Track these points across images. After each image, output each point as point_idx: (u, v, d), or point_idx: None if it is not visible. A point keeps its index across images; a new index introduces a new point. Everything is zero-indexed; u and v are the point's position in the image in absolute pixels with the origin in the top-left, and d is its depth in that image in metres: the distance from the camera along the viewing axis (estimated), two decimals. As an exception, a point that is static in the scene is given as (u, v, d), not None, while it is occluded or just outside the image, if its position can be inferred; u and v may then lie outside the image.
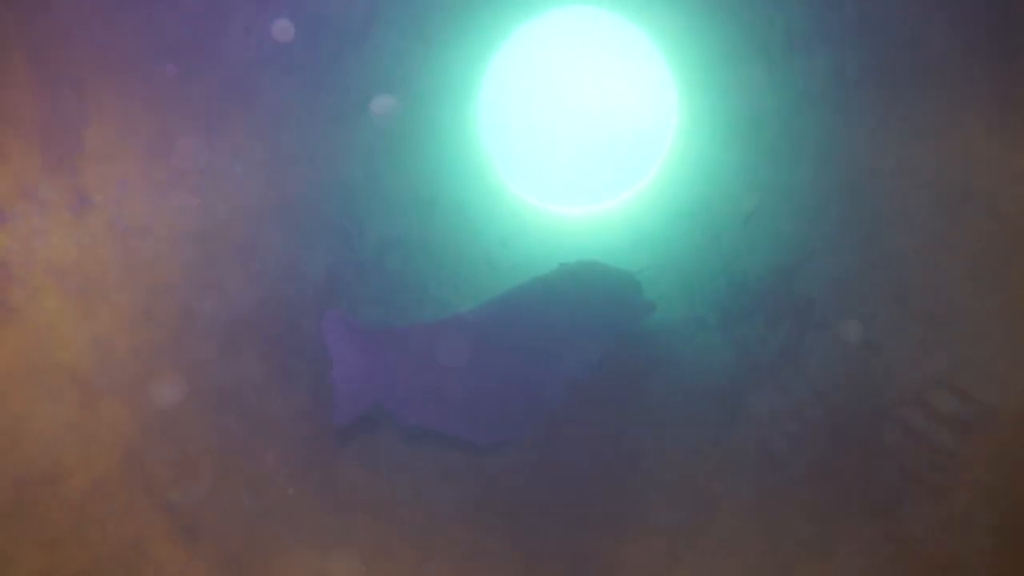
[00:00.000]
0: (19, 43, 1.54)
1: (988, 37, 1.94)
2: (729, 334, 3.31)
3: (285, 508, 2.08)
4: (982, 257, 1.98)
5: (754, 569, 1.88)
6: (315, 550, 2.01)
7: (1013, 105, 1.90)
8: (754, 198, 3.60)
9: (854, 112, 2.71)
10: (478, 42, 4.23)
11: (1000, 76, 1.91)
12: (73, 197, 1.66)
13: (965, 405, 1.78)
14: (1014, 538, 1.65)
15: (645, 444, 2.85)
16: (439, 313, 3.66)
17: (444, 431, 2.59)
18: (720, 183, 3.99)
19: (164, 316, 2.00)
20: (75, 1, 1.70)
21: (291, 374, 2.52)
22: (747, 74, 3.38)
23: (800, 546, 1.86)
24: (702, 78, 4.08)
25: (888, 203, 2.45)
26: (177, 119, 2.22)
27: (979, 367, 1.86)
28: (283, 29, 2.54)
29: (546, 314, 3.27)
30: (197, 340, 2.14)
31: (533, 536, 2.33)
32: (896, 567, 1.61)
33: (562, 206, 5.85)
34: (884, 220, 2.42)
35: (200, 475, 1.88)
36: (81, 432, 1.58)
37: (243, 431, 2.15)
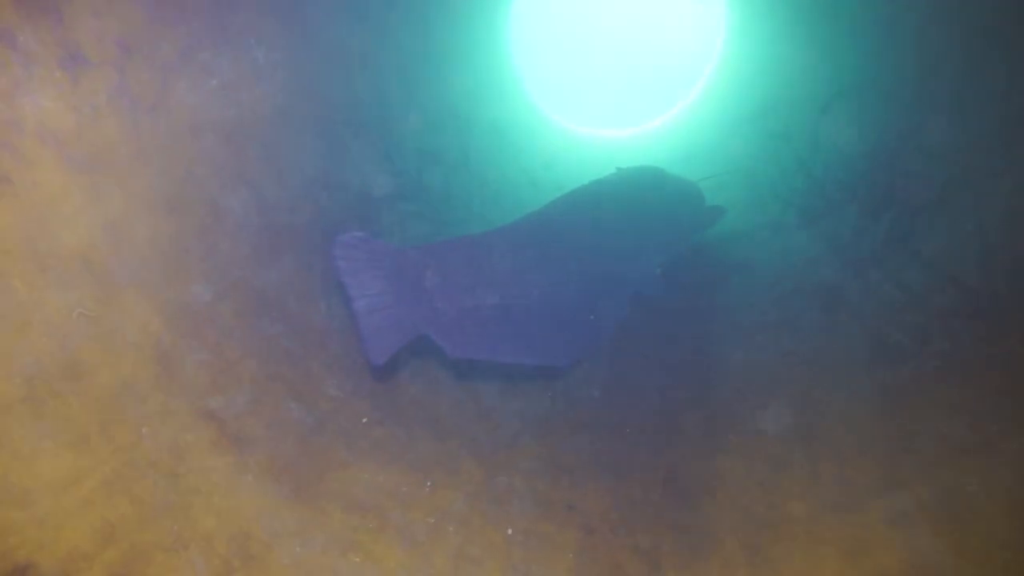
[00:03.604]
0: None
1: None
2: (815, 231, 2.95)
3: (338, 421, 1.85)
4: None
5: (888, 473, 1.58)
6: (373, 465, 1.79)
7: None
8: (832, 87, 3.16)
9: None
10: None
11: None
12: (63, 53, 1.38)
13: None
14: None
15: (729, 351, 2.55)
16: (486, 229, 3.34)
17: (502, 362, 2.26)
18: (786, 80, 3.54)
19: (187, 207, 1.75)
20: None
21: (335, 282, 2.27)
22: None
23: (946, 444, 1.55)
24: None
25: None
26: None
27: None
28: None
29: (604, 220, 2.92)
30: (227, 239, 1.89)
31: (616, 450, 2.08)
32: (1086, 459, 1.29)
33: (605, 129, 5.46)
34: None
35: (242, 382, 1.65)
36: (101, 326, 1.34)
37: (286, 339, 1.91)
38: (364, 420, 1.91)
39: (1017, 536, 1.27)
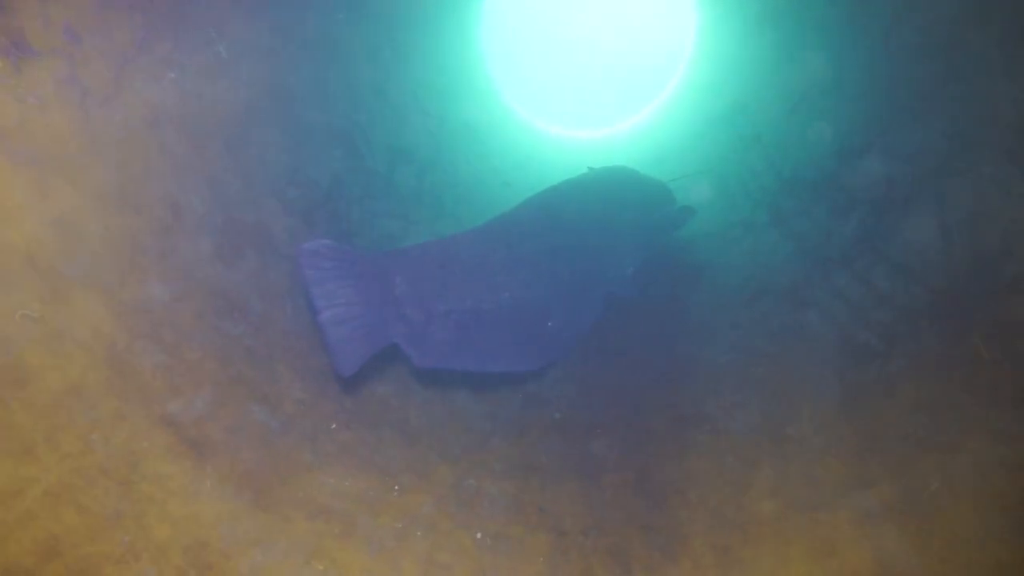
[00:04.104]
0: None
1: None
2: (785, 231, 2.97)
3: (304, 424, 1.80)
4: None
5: (855, 473, 1.60)
6: (339, 470, 1.74)
7: None
8: (799, 87, 3.20)
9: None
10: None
11: None
12: (4, 40, 1.31)
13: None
14: None
15: (699, 352, 2.56)
16: (457, 229, 3.30)
17: (473, 371, 2.18)
18: (756, 81, 3.57)
19: (144, 204, 1.68)
20: None
21: (301, 290, 2.22)
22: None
23: (911, 443, 1.57)
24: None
25: (993, 51, 2.06)
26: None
27: None
28: None
29: (575, 220, 2.91)
30: (187, 237, 1.82)
31: (587, 451, 2.06)
32: (1046, 456, 1.31)
33: (576, 130, 5.47)
34: (990, 70, 2.03)
35: (202, 385, 1.59)
36: (48, 328, 1.28)
37: (249, 340, 1.85)
38: (333, 426, 1.87)
39: (979, 533, 1.29)
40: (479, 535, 1.64)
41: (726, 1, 3.81)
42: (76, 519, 1.13)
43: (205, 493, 1.38)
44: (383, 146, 3.30)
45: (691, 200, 3.12)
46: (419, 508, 1.68)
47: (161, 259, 1.70)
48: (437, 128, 3.77)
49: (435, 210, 3.55)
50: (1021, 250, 1.67)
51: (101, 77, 1.59)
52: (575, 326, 2.76)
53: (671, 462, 1.95)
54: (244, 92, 2.32)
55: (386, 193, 3.26)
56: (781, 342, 2.33)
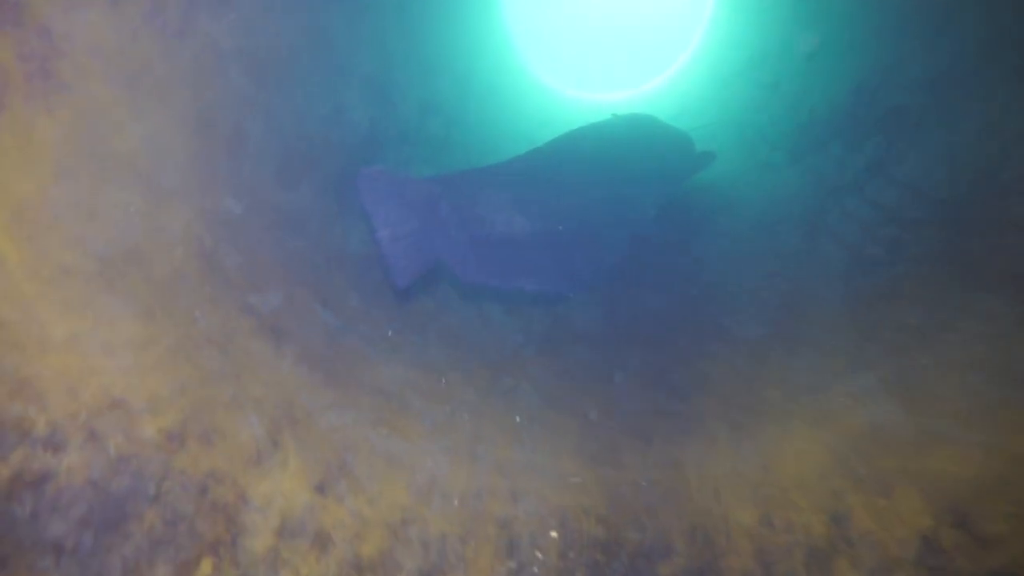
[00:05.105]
0: None
1: None
2: (801, 168, 3.11)
3: (360, 327, 2.03)
4: None
5: (855, 359, 1.77)
6: (393, 364, 1.97)
7: None
8: (817, 35, 3.29)
9: None
10: None
11: None
12: (106, -24, 1.51)
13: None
14: None
15: (717, 273, 2.74)
16: (487, 173, 3.46)
17: (510, 288, 2.44)
18: (774, 35, 3.66)
19: (216, 128, 1.89)
20: None
21: (350, 210, 2.43)
22: None
23: (910, 330, 1.74)
24: None
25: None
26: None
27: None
28: None
29: (600, 160, 3.08)
30: (250, 160, 2.04)
31: (612, 357, 2.27)
32: (1026, 331, 1.48)
33: (598, 93, 5.56)
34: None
35: (274, 285, 1.81)
36: (153, 223, 1.50)
37: (310, 253, 2.07)
38: (389, 333, 2.09)
39: (959, 389, 1.46)
40: (518, 418, 1.86)
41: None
42: (192, 371, 1.37)
43: (286, 367, 1.61)
44: (414, 98, 3.48)
45: (711, 146, 3.27)
46: (464, 396, 1.90)
47: (231, 178, 1.91)
48: (461, 87, 3.93)
49: (463, 158, 3.73)
50: (1018, 156, 1.80)
51: (174, 14, 1.79)
52: (601, 259, 2.95)
53: (690, 364, 2.15)
54: (291, 37, 2.51)
55: (418, 140, 3.45)
56: (794, 263, 2.49)
